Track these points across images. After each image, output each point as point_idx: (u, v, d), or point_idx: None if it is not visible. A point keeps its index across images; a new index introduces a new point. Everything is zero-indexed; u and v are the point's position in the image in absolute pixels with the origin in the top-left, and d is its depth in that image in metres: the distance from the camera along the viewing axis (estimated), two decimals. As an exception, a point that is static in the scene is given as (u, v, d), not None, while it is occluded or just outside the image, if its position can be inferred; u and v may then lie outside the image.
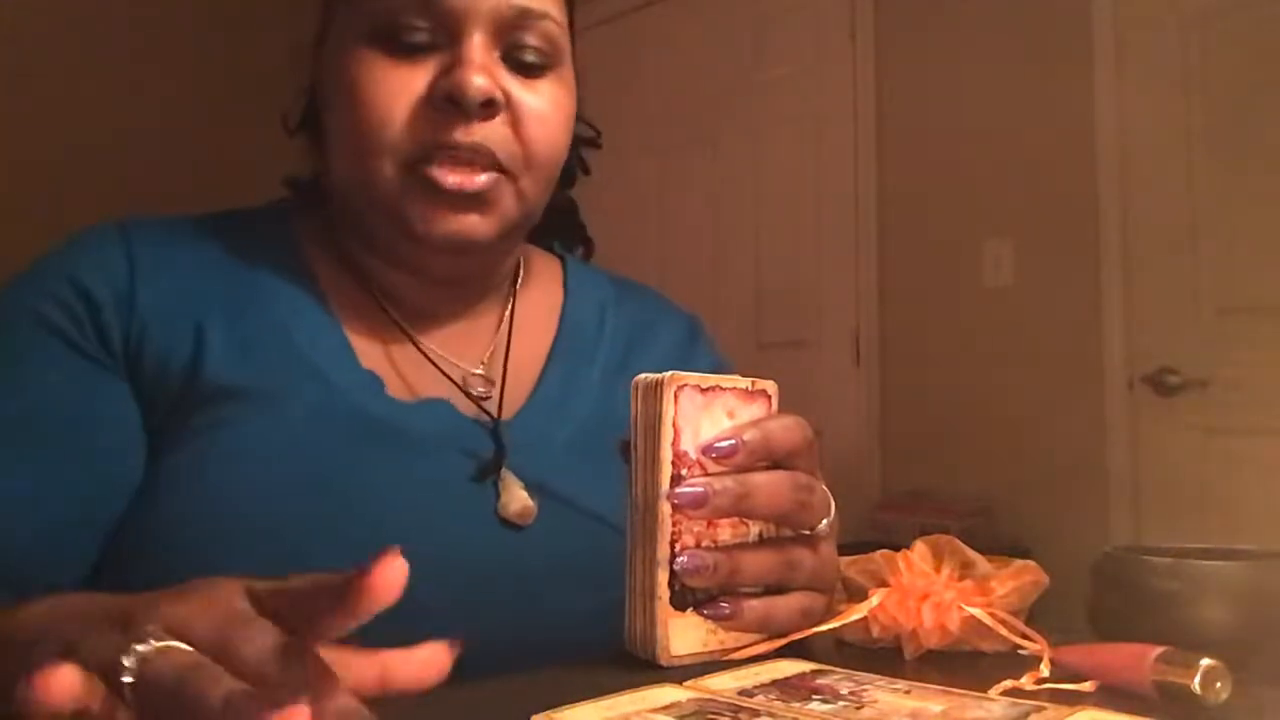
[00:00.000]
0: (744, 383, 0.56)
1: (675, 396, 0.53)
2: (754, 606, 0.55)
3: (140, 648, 0.36)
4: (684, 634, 0.53)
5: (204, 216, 0.72)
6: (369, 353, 0.69)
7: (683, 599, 0.53)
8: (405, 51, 0.64)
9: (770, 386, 0.57)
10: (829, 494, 0.58)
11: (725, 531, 0.55)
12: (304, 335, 0.67)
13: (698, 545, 0.54)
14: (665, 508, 0.52)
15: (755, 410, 0.56)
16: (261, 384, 0.63)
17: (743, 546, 0.55)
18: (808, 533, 0.57)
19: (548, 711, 0.43)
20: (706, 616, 0.54)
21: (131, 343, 0.63)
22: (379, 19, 0.64)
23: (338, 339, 0.68)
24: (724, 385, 0.55)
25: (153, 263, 0.65)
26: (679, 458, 0.53)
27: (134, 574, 0.58)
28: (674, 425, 0.53)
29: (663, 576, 0.53)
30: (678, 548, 0.53)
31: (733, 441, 0.53)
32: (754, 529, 0.56)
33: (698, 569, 0.53)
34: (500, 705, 0.48)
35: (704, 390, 0.54)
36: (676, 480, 0.53)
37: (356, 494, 0.61)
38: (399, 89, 0.63)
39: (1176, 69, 2.38)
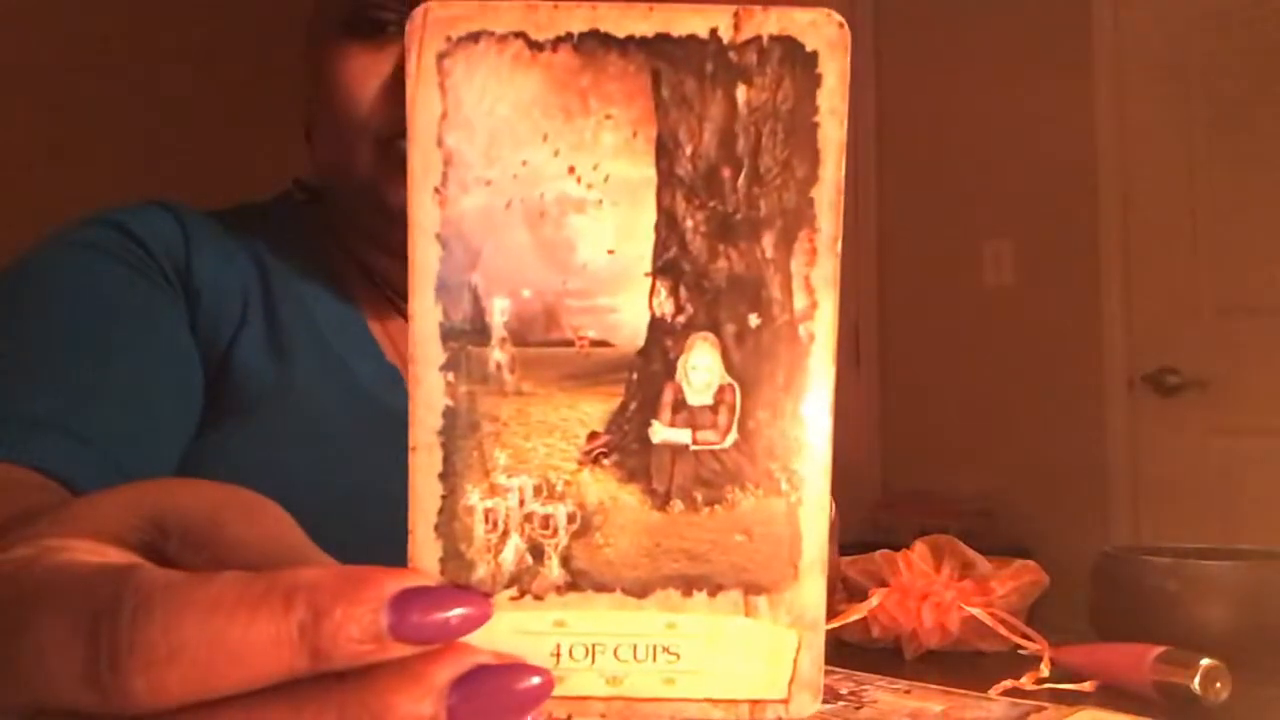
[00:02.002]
0: None
1: None
2: None
3: None
4: None
5: (222, 209, 0.72)
6: (391, 345, 0.69)
7: None
8: (376, 36, 0.65)
9: None
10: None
11: None
12: (330, 327, 0.67)
13: None
14: None
15: None
16: (289, 374, 0.64)
17: None
18: None
19: (548, 712, 0.42)
20: None
21: (189, 305, 0.63)
22: (350, 6, 0.65)
23: (362, 330, 0.68)
24: None
25: (202, 239, 0.66)
26: None
27: None
28: None
29: None
30: None
31: None
32: None
33: None
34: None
35: None
36: None
37: (377, 488, 0.61)
38: (369, 70, 0.64)
39: (1176, 69, 2.38)
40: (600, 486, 0.24)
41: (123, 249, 0.62)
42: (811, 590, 0.24)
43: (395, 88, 0.64)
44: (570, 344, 0.24)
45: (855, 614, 0.56)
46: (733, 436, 0.24)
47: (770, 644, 0.24)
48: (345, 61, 0.65)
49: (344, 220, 0.72)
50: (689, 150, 0.24)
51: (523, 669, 0.23)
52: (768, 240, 0.25)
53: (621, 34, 0.24)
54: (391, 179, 0.65)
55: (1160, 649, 0.47)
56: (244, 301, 0.65)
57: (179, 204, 0.68)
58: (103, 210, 0.65)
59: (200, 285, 0.64)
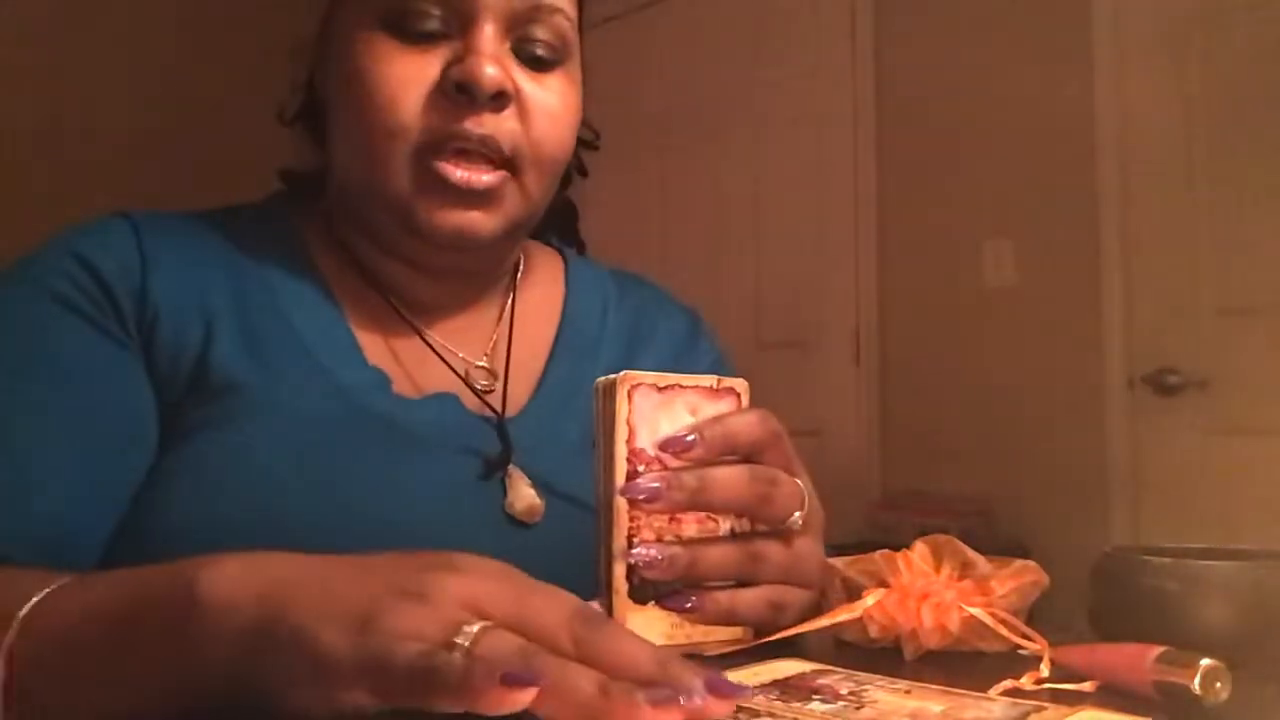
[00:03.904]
0: (708, 381, 0.56)
1: (629, 395, 0.53)
2: (716, 598, 0.54)
3: (469, 629, 0.36)
4: (644, 627, 0.53)
5: (205, 212, 0.72)
6: (374, 348, 0.69)
7: (644, 593, 0.54)
8: (416, 39, 0.64)
9: (739, 385, 0.57)
10: (802, 487, 0.57)
11: (691, 527, 0.55)
12: (310, 331, 0.67)
13: (659, 540, 0.54)
14: (621, 503, 0.53)
15: (721, 408, 0.56)
16: (268, 381, 0.63)
17: (705, 540, 0.55)
18: (782, 528, 0.57)
19: (547, 711, 0.43)
20: (666, 609, 0.54)
21: (144, 331, 0.63)
22: (390, 5, 0.64)
23: (344, 335, 0.68)
24: (684, 384, 0.55)
25: (163, 255, 0.65)
26: (635, 455, 0.53)
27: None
28: (628, 423, 0.53)
29: (619, 570, 0.53)
30: (635, 542, 0.53)
31: (691, 436, 0.53)
32: (724, 525, 0.56)
33: (650, 562, 0.53)
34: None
35: (661, 389, 0.54)
36: (633, 477, 0.53)
37: (361, 493, 0.61)
38: (410, 75, 0.63)
39: (1176, 69, 2.38)
40: None
41: (81, 292, 0.62)
42: None
43: (435, 96, 0.63)
44: None
45: (847, 614, 0.56)
46: None
47: None
48: (386, 64, 0.63)
49: (352, 220, 0.71)
50: None
51: None
52: None
53: None
54: (422, 197, 0.64)
55: (1160, 649, 0.46)
56: (210, 313, 0.64)
57: (143, 217, 0.67)
58: (68, 234, 0.65)
59: (157, 307, 0.63)
